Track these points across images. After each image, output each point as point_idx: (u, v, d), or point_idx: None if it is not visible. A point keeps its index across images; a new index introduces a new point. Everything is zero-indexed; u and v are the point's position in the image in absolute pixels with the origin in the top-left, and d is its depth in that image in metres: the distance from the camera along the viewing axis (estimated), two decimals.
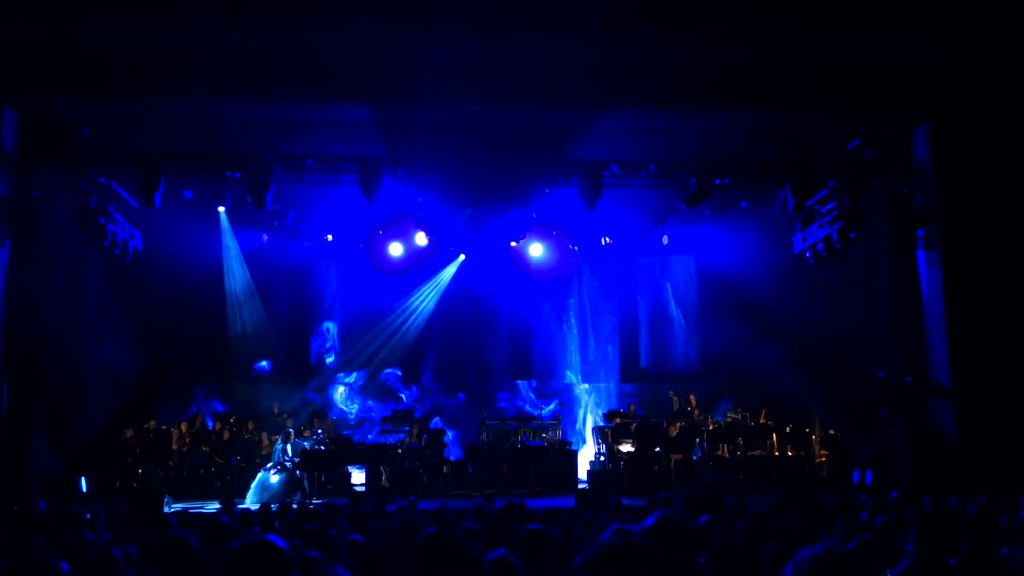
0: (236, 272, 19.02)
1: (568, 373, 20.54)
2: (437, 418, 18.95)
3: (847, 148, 15.75)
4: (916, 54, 13.16)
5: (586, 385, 20.45)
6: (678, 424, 17.19)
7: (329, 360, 20.04)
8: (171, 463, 16.10)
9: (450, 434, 18.08)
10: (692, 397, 18.50)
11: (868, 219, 15.32)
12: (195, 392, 18.78)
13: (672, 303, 20.68)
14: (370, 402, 19.81)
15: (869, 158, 15.57)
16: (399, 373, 20.04)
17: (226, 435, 16.93)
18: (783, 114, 14.80)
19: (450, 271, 20.15)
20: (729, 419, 17.59)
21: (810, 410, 17.23)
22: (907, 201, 15.29)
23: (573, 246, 20.30)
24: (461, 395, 19.81)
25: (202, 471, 16.16)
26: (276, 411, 18.27)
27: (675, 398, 18.68)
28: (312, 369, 20.01)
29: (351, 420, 19.55)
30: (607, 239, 20.11)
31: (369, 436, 18.30)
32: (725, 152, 15.86)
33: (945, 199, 14.56)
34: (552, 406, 19.19)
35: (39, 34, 12.34)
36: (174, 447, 16.43)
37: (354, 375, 20.04)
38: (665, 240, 19.80)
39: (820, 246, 16.08)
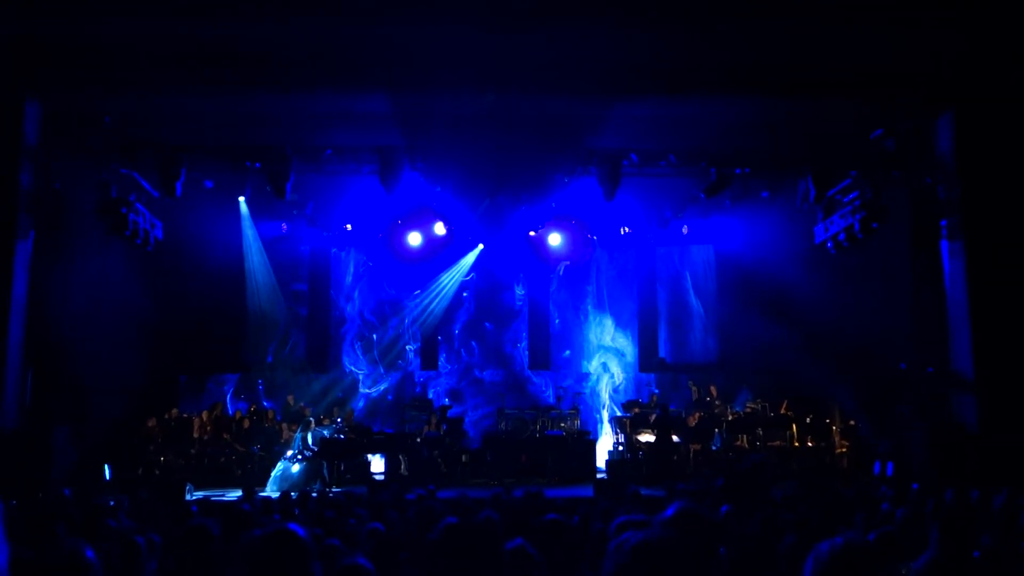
0: (256, 261, 19.17)
1: (586, 362, 20.61)
2: (454, 408, 19.11)
3: (869, 138, 15.59)
4: (938, 42, 13.00)
5: (605, 374, 20.47)
6: (697, 414, 17.23)
7: (349, 362, 20.31)
8: (192, 452, 16.25)
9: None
10: (712, 388, 18.49)
11: (890, 209, 15.20)
12: (216, 381, 18.98)
13: (691, 293, 20.69)
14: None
15: (891, 148, 15.41)
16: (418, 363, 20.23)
17: (247, 424, 17.07)
18: (804, 103, 14.67)
19: (468, 260, 20.26)
20: (749, 409, 17.58)
21: (830, 401, 17.14)
22: (930, 191, 15.14)
23: (592, 236, 20.32)
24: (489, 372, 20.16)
25: (223, 459, 16.30)
26: (292, 401, 18.45)
27: (694, 388, 18.69)
28: (330, 359, 20.18)
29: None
30: (626, 229, 20.11)
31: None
32: (745, 142, 15.78)
33: (968, 189, 14.40)
34: (571, 396, 19.22)
35: (61, 26, 12.40)
36: (195, 435, 16.58)
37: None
38: (684, 230, 19.83)
39: (842, 236, 15.96)
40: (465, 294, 20.52)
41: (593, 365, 20.58)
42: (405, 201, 17.49)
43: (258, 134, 15.46)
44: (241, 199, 17.99)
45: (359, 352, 20.35)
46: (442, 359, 20.47)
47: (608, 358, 20.61)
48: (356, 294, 20.44)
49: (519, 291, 20.73)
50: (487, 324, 20.55)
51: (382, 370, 20.19)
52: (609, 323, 20.74)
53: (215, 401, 17.93)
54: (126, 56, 12.91)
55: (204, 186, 16.51)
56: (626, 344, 20.66)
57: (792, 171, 16.25)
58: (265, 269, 19.35)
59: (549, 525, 4.92)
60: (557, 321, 20.69)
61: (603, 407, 20.20)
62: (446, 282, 20.38)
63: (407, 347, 20.37)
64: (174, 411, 16.92)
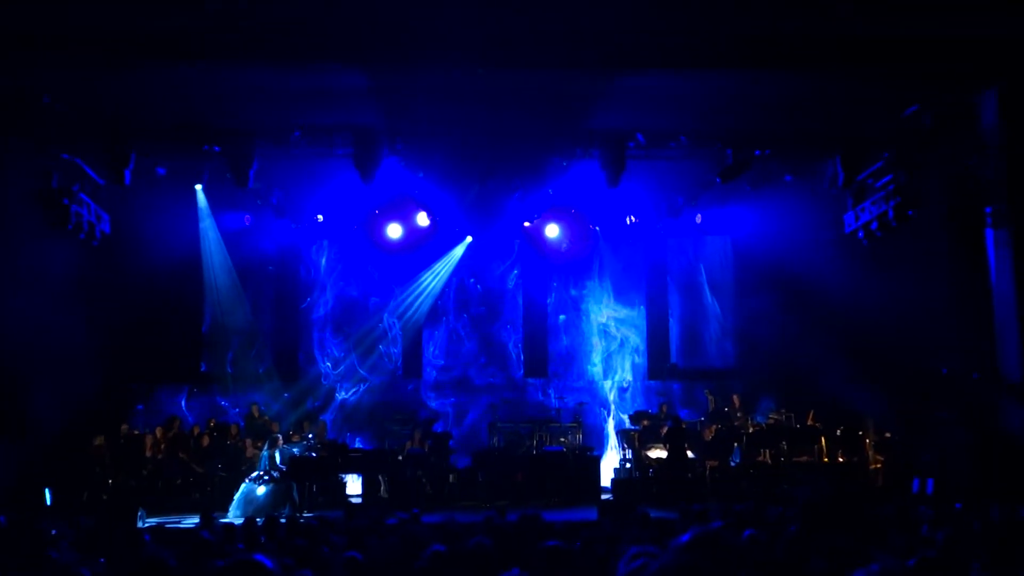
0: (215, 258, 19.13)
1: (589, 368, 20.65)
2: (440, 422, 19.16)
3: (903, 116, 15.55)
4: (981, 8, 12.95)
5: (609, 382, 20.53)
6: (713, 427, 17.26)
7: (322, 370, 20.35)
8: (145, 472, 16.18)
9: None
10: (735, 397, 18.54)
11: (927, 195, 15.20)
12: (171, 392, 18.99)
13: (706, 290, 20.74)
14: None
15: (928, 127, 15.39)
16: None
17: (206, 441, 17.01)
18: (831, 76, 14.60)
19: (456, 255, 20.27)
20: (771, 420, 17.61)
21: (863, 410, 17.17)
22: (972, 174, 15.11)
23: (594, 227, 20.34)
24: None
25: (180, 481, 16.25)
26: (257, 414, 18.38)
27: (711, 397, 18.73)
28: (300, 366, 20.22)
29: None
30: (632, 218, 20.13)
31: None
32: (766, 120, 15.70)
33: (1015, 171, 14.37)
34: (571, 406, 19.27)
35: None
36: (148, 454, 16.49)
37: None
38: (698, 219, 19.83)
39: (874, 225, 15.98)
40: (452, 293, 20.52)
41: (596, 371, 20.61)
42: (384, 189, 17.43)
43: (217, 114, 15.35)
44: (198, 188, 17.94)
45: (333, 359, 20.35)
46: (426, 366, 20.45)
47: (613, 363, 20.66)
48: (330, 293, 20.43)
49: (513, 289, 20.74)
50: (477, 326, 20.58)
51: (360, 377, 20.20)
52: (614, 324, 20.77)
53: (170, 415, 17.87)
54: (67, 27, 12.78)
55: (156, 174, 16.44)
56: (634, 348, 20.70)
57: (818, 152, 16.28)
58: (226, 266, 19.30)
59: (548, 552, 4.91)
60: (556, 322, 20.73)
61: (608, 419, 20.23)
62: (430, 279, 20.38)
63: (387, 352, 20.38)
64: (124, 427, 16.85)
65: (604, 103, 14.76)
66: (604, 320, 20.77)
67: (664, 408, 18.62)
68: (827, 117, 15.57)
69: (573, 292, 20.84)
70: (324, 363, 20.28)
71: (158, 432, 17.01)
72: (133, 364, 18.10)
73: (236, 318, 19.73)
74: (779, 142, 16.11)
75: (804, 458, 16.64)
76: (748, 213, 19.35)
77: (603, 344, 20.73)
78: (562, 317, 20.74)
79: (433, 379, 20.39)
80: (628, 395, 20.48)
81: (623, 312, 20.81)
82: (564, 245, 20.29)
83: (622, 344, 20.76)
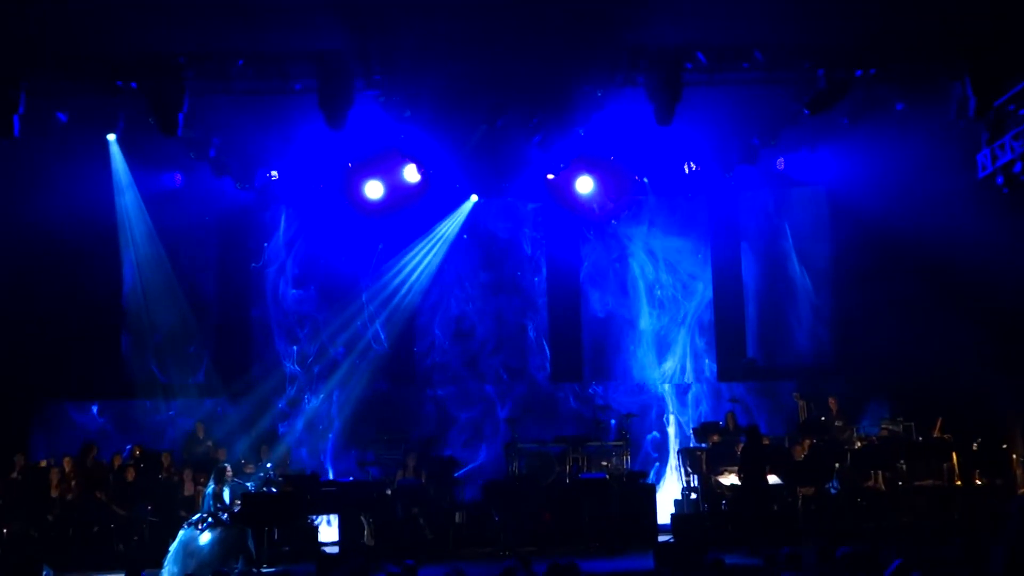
0: (136, 229, 19.14)
1: (638, 366, 20.62)
2: (441, 442, 19.37)
3: None
4: None
5: (667, 386, 20.47)
6: (806, 442, 17.10)
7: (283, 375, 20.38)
8: (50, 518, 16.11)
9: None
10: (833, 402, 18.38)
11: None
12: (81, 410, 18.90)
13: (794, 258, 20.67)
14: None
15: None
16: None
17: (131, 474, 16.94)
18: None
19: (457, 220, 20.34)
20: (884, 432, 17.51)
21: (1008, 417, 17.05)
22: None
23: (640, 178, 20.18)
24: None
25: (97, 528, 16.16)
26: (200, 435, 18.38)
27: (801, 402, 18.58)
28: (253, 371, 20.25)
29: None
30: (692, 166, 19.94)
31: None
32: (869, 29, 15.38)
33: None
34: (616, 417, 19.20)
35: None
36: (54, 494, 16.43)
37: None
38: (781, 164, 19.74)
39: (1018, 167, 15.76)
40: (454, 269, 20.55)
41: (649, 370, 20.58)
42: (359, 135, 17.33)
43: (133, 38, 15.08)
44: (111, 138, 17.81)
45: (297, 360, 20.39)
46: (421, 366, 20.49)
47: (671, 359, 20.60)
48: (290, 273, 20.49)
49: (534, 263, 20.74)
50: (488, 312, 20.63)
51: (335, 382, 20.29)
52: (670, 307, 20.74)
53: (85, 441, 17.72)
54: None
55: (56, 120, 16.33)
56: (698, 339, 20.65)
57: (941, 71, 16.01)
58: (151, 241, 19.35)
59: None
60: (591, 306, 20.75)
61: (666, 434, 20.24)
62: (424, 251, 20.44)
63: (370, 349, 20.45)
64: (20, 457, 16.82)
65: (651, 13, 14.49)
66: (657, 301, 20.71)
67: (730, 418, 18.57)
68: (952, 23, 15.21)
69: (615, 265, 20.82)
70: (287, 364, 20.34)
71: (67, 464, 16.91)
72: (29, 373, 18.10)
73: (166, 308, 19.76)
74: (887, 58, 15.84)
75: (929, 481, 16.49)
76: (847, 155, 19.21)
77: (656, 333, 20.70)
78: (593, 307, 20.76)
79: (431, 384, 20.43)
80: (690, 401, 20.43)
81: (681, 291, 20.74)
82: (600, 203, 20.17)
83: (682, 333, 20.72)
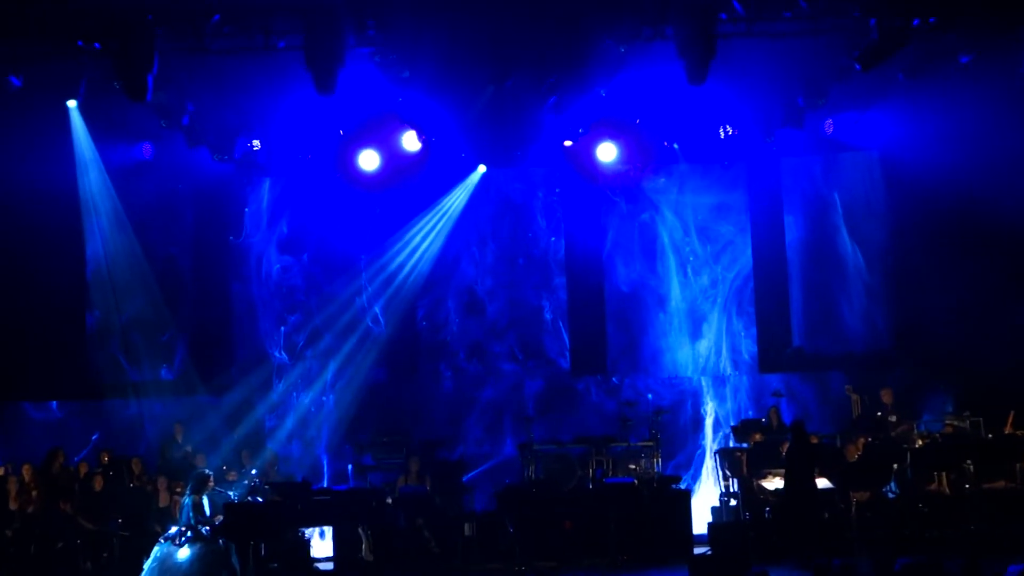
0: (101, 206, 19.14)
1: (669, 356, 20.60)
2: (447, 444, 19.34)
3: None
4: None
5: (703, 378, 20.47)
6: (860, 440, 16.98)
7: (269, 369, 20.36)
8: (9, 533, 16.11)
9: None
10: (888, 394, 18.26)
11: None
12: (41, 411, 18.96)
13: (844, 233, 20.56)
14: None
15: None
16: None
17: (99, 483, 16.92)
18: None
19: (463, 192, 20.34)
20: (948, 428, 17.43)
21: None
22: None
23: (670, 143, 20.05)
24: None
25: (62, 544, 16.09)
26: (178, 438, 18.32)
27: (854, 396, 18.52)
28: (237, 364, 20.27)
29: None
30: (729, 129, 19.77)
31: None
32: None
33: None
34: (645, 414, 19.02)
35: None
36: (13, 506, 16.44)
37: None
38: (829, 127, 19.62)
39: None
40: (459, 247, 20.58)
41: (681, 360, 20.57)
42: (352, 99, 17.26)
43: None
44: (72, 105, 17.74)
45: (284, 348, 20.44)
46: (424, 357, 20.53)
47: (706, 348, 20.58)
48: (274, 253, 20.53)
49: (551, 239, 20.76)
50: (499, 296, 20.66)
51: (330, 374, 20.34)
52: (706, 288, 20.69)
53: (52, 447, 17.66)
54: None
55: (8, 85, 16.23)
56: (736, 323, 20.60)
57: (1012, 18, 15.87)
58: (117, 219, 19.34)
59: None
60: (616, 287, 20.73)
61: (702, 432, 20.22)
62: (426, 229, 20.46)
63: (366, 337, 20.46)
64: None
65: None
66: (689, 283, 20.68)
67: (772, 414, 18.50)
68: None
69: (641, 243, 20.79)
70: (274, 355, 20.43)
71: (26, 472, 16.86)
72: None
73: (135, 294, 19.77)
74: (949, 5, 15.64)
75: (1001, 483, 16.38)
76: (904, 116, 19.08)
77: (689, 318, 20.68)
78: (618, 289, 20.74)
79: (436, 378, 20.48)
80: (728, 394, 20.42)
81: (717, 272, 20.70)
82: (624, 172, 20.07)
83: (718, 318, 20.67)
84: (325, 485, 18.63)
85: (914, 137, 19.33)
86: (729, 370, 20.54)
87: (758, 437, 17.68)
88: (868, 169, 20.47)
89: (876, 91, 18.29)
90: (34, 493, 16.66)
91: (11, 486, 16.62)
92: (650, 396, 19.87)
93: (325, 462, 19.89)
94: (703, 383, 20.49)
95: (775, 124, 19.23)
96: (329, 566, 16.30)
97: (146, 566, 14.98)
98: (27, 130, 17.89)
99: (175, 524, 15.45)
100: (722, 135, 19.84)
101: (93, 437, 19.47)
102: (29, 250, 18.65)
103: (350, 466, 18.86)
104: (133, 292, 19.75)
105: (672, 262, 20.79)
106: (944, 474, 16.59)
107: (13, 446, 18.50)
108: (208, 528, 15.19)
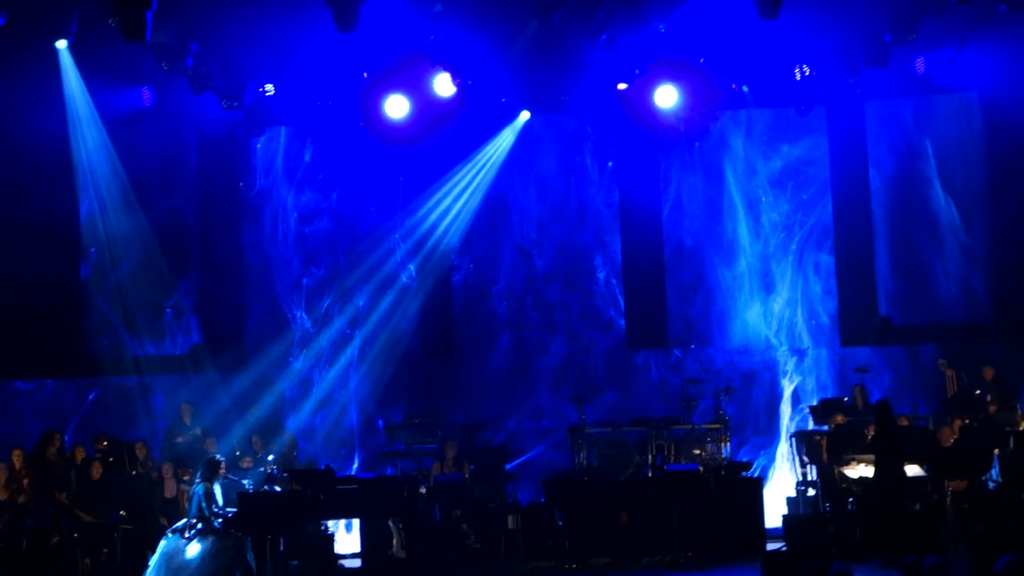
0: (96, 159, 19.28)
1: (738, 326, 20.75)
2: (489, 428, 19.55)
3: None
4: None
5: (776, 352, 20.61)
6: (956, 422, 17.11)
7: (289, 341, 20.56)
8: None
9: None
10: (989, 372, 18.33)
11: None
12: (35, 390, 19.22)
13: (937, 186, 20.56)
14: None
15: None
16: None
17: (98, 470, 17.07)
18: None
19: (504, 142, 20.40)
20: None
21: None
22: None
23: (738, 86, 20.18)
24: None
25: (57, 539, 16.26)
26: (186, 420, 18.47)
27: (950, 372, 18.58)
28: (249, 337, 20.53)
29: None
30: (805, 69, 19.83)
31: None
32: None
33: None
34: (711, 392, 19.25)
35: None
36: (2, 496, 16.53)
37: None
38: (920, 67, 19.59)
39: None
40: (499, 204, 20.76)
41: (753, 330, 20.70)
42: (377, 37, 17.49)
43: None
44: (61, 45, 17.89)
45: (303, 320, 20.68)
46: (461, 328, 20.74)
47: (780, 318, 20.69)
48: (292, 210, 20.78)
49: (603, 193, 20.89)
50: (546, 258, 20.86)
51: (357, 348, 20.55)
52: (778, 249, 20.81)
53: (45, 429, 17.84)
54: None
55: None
56: (815, 290, 20.69)
57: None
58: (115, 173, 19.49)
59: None
60: (676, 247, 20.89)
61: (776, 413, 20.34)
62: (462, 184, 20.59)
63: (396, 306, 20.63)
64: None
65: None
66: (760, 242, 20.81)
67: (857, 392, 18.61)
68: None
69: (707, 196, 20.93)
70: (293, 324, 20.63)
71: (16, 458, 16.94)
72: None
73: (135, 255, 19.97)
74: None
75: None
76: (1006, 53, 19.08)
77: (761, 281, 20.80)
78: (687, 238, 20.87)
79: (474, 349, 20.70)
80: (806, 370, 20.50)
81: (793, 229, 20.79)
82: (686, 118, 20.19)
83: (795, 282, 20.78)
84: (351, 473, 18.83)
85: (1018, 77, 19.38)
86: (807, 342, 20.61)
87: (840, 419, 17.69)
88: (965, 114, 20.45)
89: (975, 25, 18.27)
90: (25, 482, 16.72)
91: (2, 473, 16.61)
92: (717, 371, 20.16)
93: (355, 445, 20.10)
94: (777, 357, 20.57)
95: (858, 64, 19.18)
96: (356, 563, 16.51)
97: (151, 562, 15.04)
98: (12, 74, 18.05)
99: (183, 516, 15.48)
100: (798, 76, 19.79)
101: (86, 419, 19.60)
102: (16, 209, 18.89)
103: (385, 446, 19.10)
104: (132, 254, 19.93)
105: (741, 219, 20.89)
106: None
107: (3, 433, 18.62)
108: (220, 521, 15.13)
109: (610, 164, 20.88)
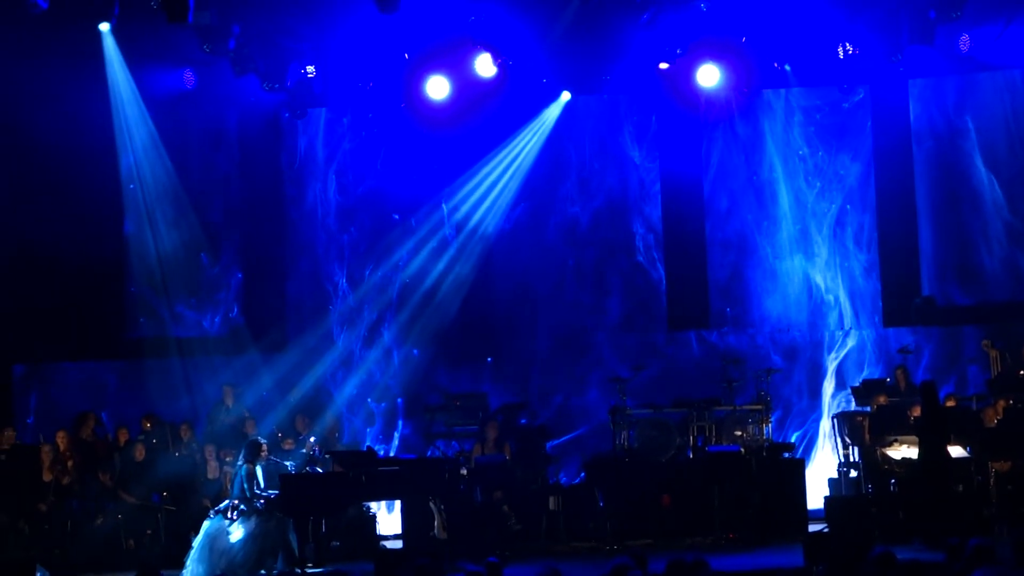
0: (138, 141, 19.31)
1: (780, 305, 20.66)
2: (529, 408, 19.39)
3: None
4: None
5: (818, 332, 20.48)
6: (1001, 403, 16.93)
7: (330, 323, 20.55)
8: (43, 507, 16.35)
9: None
10: None
11: None
12: (80, 373, 19.24)
13: (979, 164, 20.35)
14: None
15: None
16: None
17: (140, 452, 17.16)
18: None
19: (546, 122, 20.35)
20: None
21: None
22: None
23: (780, 65, 20.09)
24: None
25: (101, 520, 16.42)
26: (229, 402, 18.51)
27: (994, 352, 18.40)
28: (291, 318, 20.58)
29: None
30: (848, 47, 19.68)
31: None
32: None
33: None
34: (753, 373, 19.05)
35: None
36: (47, 478, 16.63)
37: None
38: (964, 44, 19.37)
39: None
40: (542, 184, 20.71)
41: (795, 310, 20.59)
42: (417, 17, 17.47)
43: None
44: (104, 28, 17.94)
45: (345, 301, 20.75)
46: (501, 309, 20.76)
47: (822, 297, 20.56)
48: (333, 192, 20.81)
49: (644, 173, 20.82)
50: (585, 240, 20.83)
51: (400, 329, 20.59)
52: (821, 228, 20.68)
53: (81, 412, 17.92)
54: None
55: (34, 6, 16.34)
56: (856, 268, 20.56)
57: None
58: (157, 155, 19.52)
59: None
60: (720, 227, 20.82)
61: (819, 394, 20.22)
62: (504, 164, 20.57)
63: (437, 285, 20.65)
64: (9, 433, 17.03)
65: None
66: (802, 219, 20.71)
67: (899, 374, 18.47)
68: None
69: (748, 177, 20.85)
70: (335, 304, 20.70)
71: (61, 439, 17.05)
72: (13, 329, 18.51)
73: (179, 244, 19.99)
74: None
75: None
76: None
77: (803, 259, 20.69)
78: (729, 216, 20.79)
79: (513, 329, 20.73)
80: (849, 350, 20.37)
81: (835, 207, 20.65)
82: (728, 97, 20.15)
83: (835, 259, 20.69)
84: (393, 454, 18.81)
85: None
86: (849, 322, 20.47)
87: (883, 399, 17.52)
88: (1010, 92, 20.19)
89: (1021, 2, 18.15)
90: (70, 463, 16.85)
91: (45, 455, 16.76)
92: (758, 351, 20.09)
93: (397, 427, 20.14)
94: (820, 337, 20.45)
95: (902, 41, 19.01)
96: (397, 544, 16.54)
97: (195, 543, 15.07)
98: (55, 58, 18.03)
99: (226, 497, 15.54)
100: (841, 54, 19.66)
101: (129, 400, 19.63)
102: (60, 194, 18.88)
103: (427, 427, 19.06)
104: (176, 237, 19.98)
105: (784, 198, 20.77)
106: None
107: (47, 417, 18.77)
108: (262, 502, 15.20)
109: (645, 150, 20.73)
